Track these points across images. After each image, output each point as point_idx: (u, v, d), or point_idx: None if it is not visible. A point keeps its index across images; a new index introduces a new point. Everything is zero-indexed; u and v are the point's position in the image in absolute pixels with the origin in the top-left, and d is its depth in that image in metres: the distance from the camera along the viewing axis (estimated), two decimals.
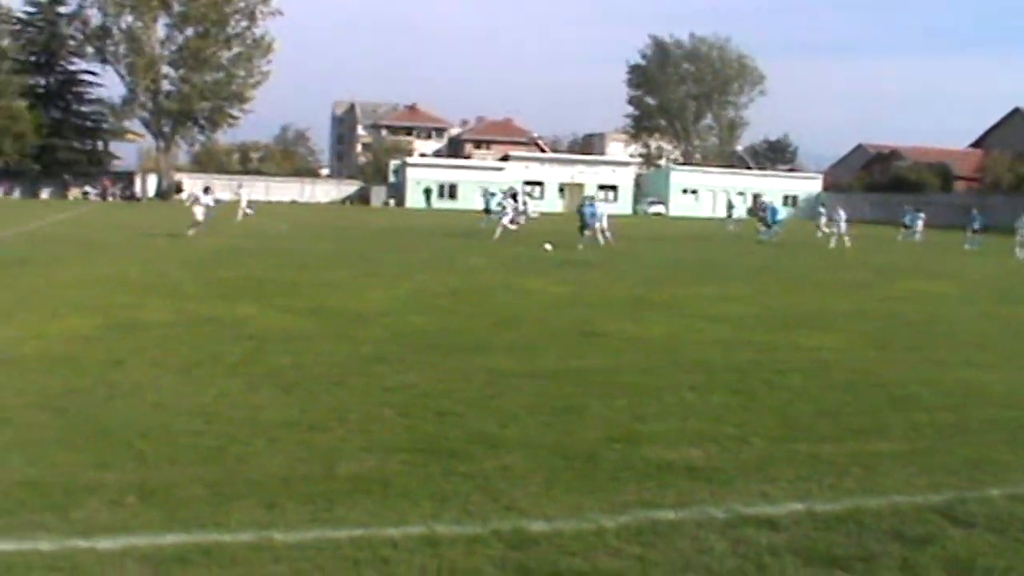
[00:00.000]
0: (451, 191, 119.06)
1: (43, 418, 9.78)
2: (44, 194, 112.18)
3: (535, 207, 67.63)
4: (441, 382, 12.16)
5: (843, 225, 50.78)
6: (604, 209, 45.88)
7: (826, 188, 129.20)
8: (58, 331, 15.52)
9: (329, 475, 8.19)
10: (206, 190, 43.51)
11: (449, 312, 19.18)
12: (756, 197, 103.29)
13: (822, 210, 58.84)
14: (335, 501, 7.51)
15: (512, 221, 48.56)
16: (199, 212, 41.26)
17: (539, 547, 6.71)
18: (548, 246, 36.72)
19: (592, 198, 49.46)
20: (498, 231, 45.79)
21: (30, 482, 7.74)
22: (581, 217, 43.66)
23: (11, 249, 29.97)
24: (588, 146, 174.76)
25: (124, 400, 10.74)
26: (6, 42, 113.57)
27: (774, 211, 56.94)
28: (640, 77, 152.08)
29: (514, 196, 55.54)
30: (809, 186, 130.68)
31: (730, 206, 74.82)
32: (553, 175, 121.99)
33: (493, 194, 58.98)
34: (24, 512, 7.09)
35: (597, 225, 42.92)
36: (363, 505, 7.46)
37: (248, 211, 59.64)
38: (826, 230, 54.20)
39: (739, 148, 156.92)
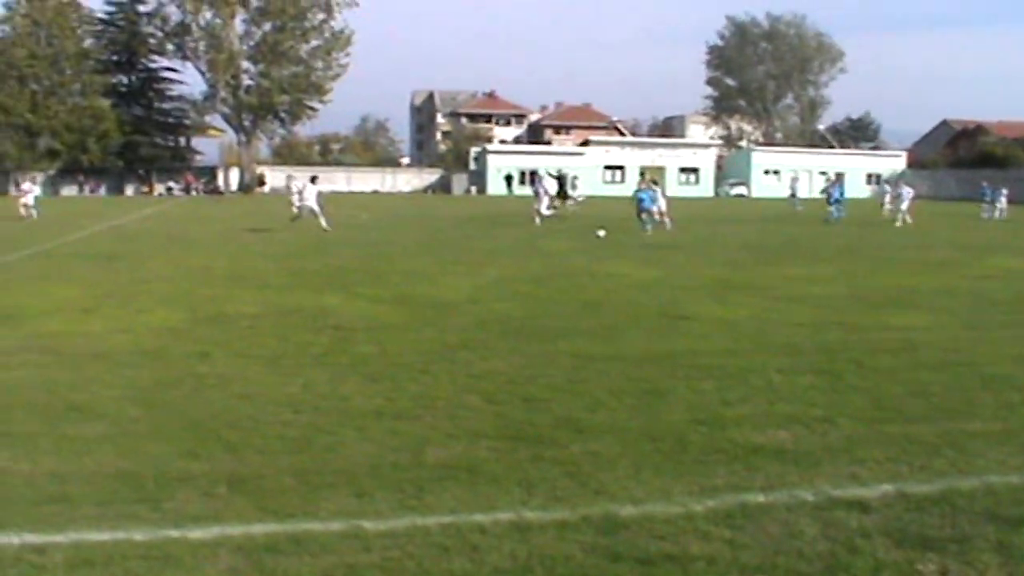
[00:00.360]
0: (532, 177, 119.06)
1: (133, 410, 9.90)
2: (129, 191, 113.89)
3: (581, 192, 66.74)
4: (527, 368, 12.15)
5: (906, 203, 49.91)
6: (658, 193, 45.41)
7: (910, 165, 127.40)
8: (146, 324, 15.74)
9: (417, 463, 8.19)
10: (313, 179, 43.09)
11: (533, 298, 19.17)
12: (838, 176, 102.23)
13: (887, 188, 57.89)
14: (424, 488, 7.51)
15: (549, 207, 48.25)
16: (311, 202, 41.05)
17: (629, 531, 6.66)
18: (601, 232, 36.36)
19: (653, 182, 48.80)
20: (536, 219, 45.46)
21: (123, 473, 7.85)
22: (638, 203, 43.20)
23: (99, 245, 30.45)
24: (668, 129, 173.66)
25: (212, 391, 10.86)
26: (88, 42, 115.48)
27: (840, 190, 56.16)
28: (719, 58, 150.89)
29: (560, 179, 55.28)
30: (892, 164, 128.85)
31: (794, 187, 74.04)
32: (634, 159, 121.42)
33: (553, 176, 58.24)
34: (118, 503, 7.18)
35: (654, 208, 42.48)
36: (452, 492, 7.46)
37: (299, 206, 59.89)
38: (890, 207, 53.49)
39: (820, 127, 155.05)
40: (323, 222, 39.44)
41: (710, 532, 6.66)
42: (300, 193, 41.74)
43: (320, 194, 41.83)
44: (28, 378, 11.51)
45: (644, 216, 41.56)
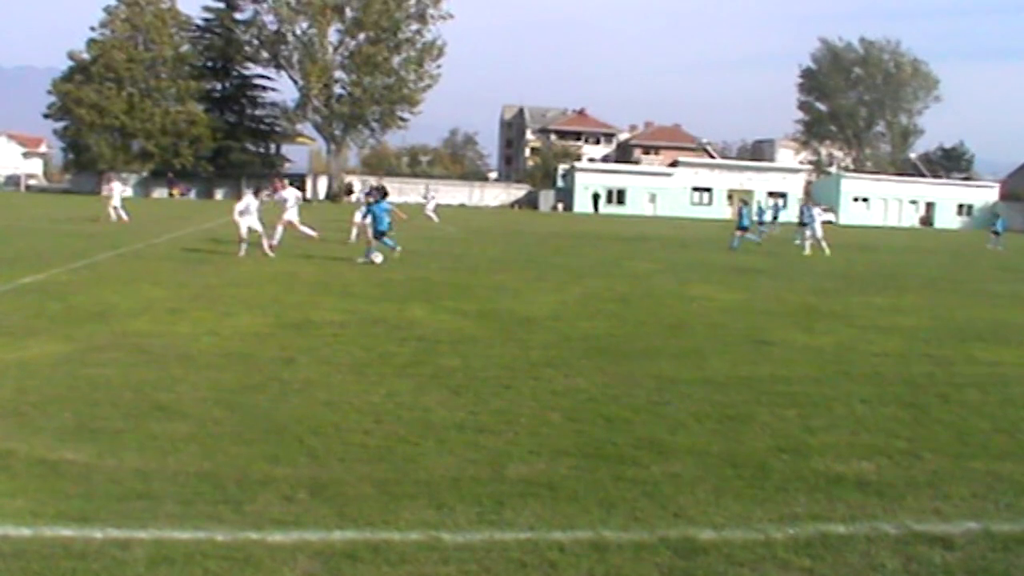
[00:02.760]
0: (619, 196, 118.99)
1: (218, 413, 10.03)
2: (219, 195, 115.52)
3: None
4: (609, 387, 12.11)
5: (818, 228, 46.61)
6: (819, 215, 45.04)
7: (1003, 197, 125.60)
8: (232, 328, 15.93)
9: (498, 477, 8.20)
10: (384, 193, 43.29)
11: (618, 318, 19.10)
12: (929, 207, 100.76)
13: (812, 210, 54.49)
14: (503, 503, 7.52)
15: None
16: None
17: (707, 556, 6.63)
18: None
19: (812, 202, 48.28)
20: (824, 245, 44.08)
21: (206, 474, 7.95)
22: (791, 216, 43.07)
23: (188, 247, 30.87)
24: (758, 152, 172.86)
25: (296, 397, 10.96)
26: (185, 48, 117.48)
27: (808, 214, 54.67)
28: (811, 82, 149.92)
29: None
30: (985, 195, 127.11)
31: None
32: (722, 181, 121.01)
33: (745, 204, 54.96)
34: (200, 503, 7.28)
35: (808, 232, 42.28)
36: (531, 508, 7.46)
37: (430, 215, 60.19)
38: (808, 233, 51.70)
39: (912, 155, 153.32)
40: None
41: (790, 561, 6.61)
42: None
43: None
44: (115, 376, 11.70)
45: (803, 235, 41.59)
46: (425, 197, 67.25)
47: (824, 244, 44.46)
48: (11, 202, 75.19)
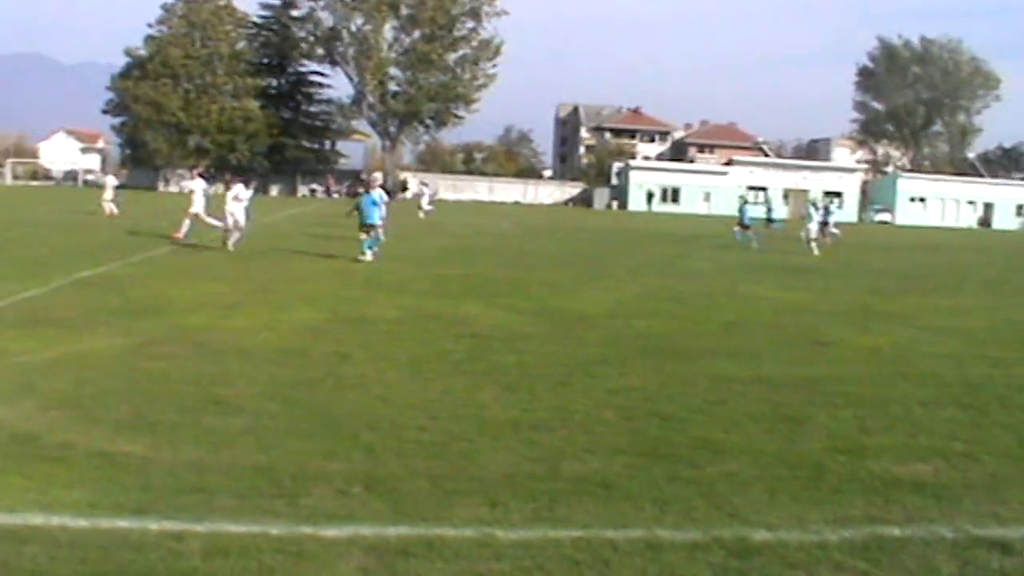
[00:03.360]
0: (674, 195, 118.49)
1: (274, 407, 10.09)
2: (274, 191, 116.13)
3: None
4: (664, 386, 12.07)
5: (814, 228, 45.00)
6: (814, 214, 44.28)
7: None
8: (288, 323, 16.05)
9: (552, 475, 8.19)
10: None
11: (673, 316, 19.05)
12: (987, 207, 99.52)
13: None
14: (557, 501, 7.51)
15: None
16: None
17: (761, 557, 6.58)
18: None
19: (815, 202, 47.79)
20: (814, 246, 43.01)
21: (261, 468, 8.00)
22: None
23: (244, 242, 31.02)
24: (813, 151, 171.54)
25: (351, 392, 11.02)
26: (241, 45, 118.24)
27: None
28: (868, 81, 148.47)
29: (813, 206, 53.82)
30: None
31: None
32: (777, 180, 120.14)
33: (747, 202, 54.76)
34: (255, 496, 7.33)
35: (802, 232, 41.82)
36: (585, 506, 7.45)
37: (429, 208, 60.05)
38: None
39: (971, 155, 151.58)
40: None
41: (844, 563, 6.54)
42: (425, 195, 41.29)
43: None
44: (172, 370, 11.81)
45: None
46: (420, 190, 66.80)
47: (814, 245, 42.95)
48: (69, 197, 75.94)
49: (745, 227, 45.58)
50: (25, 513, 6.78)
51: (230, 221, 30.04)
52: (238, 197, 30.01)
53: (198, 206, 33.73)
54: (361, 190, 30.79)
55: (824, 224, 52.75)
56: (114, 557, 6.10)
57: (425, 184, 77.30)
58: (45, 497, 7.13)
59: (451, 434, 9.32)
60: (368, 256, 28.59)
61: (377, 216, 29.45)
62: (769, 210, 64.38)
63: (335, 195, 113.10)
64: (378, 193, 29.70)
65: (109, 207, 48.52)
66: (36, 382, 10.91)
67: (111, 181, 53.26)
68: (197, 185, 34.69)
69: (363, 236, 29.31)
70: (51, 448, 8.36)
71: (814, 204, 48.87)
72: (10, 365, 11.79)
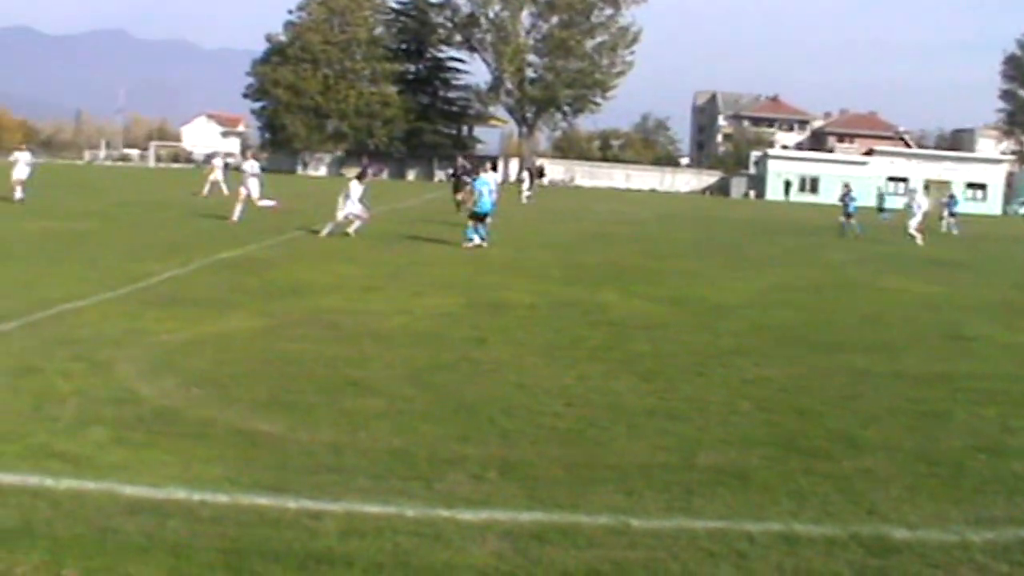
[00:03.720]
0: (812, 184, 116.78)
1: (409, 390, 10.20)
2: (410, 175, 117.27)
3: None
4: (802, 378, 11.94)
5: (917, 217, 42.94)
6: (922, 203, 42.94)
7: None
8: (424, 307, 16.22)
9: (688, 465, 8.14)
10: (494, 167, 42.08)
11: (811, 308, 18.80)
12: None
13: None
14: (693, 492, 7.46)
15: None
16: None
17: (900, 556, 6.45)
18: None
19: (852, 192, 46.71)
20: (918, 237, 41.77)
21: (397, 451, 8.08)
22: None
23: (381, 226, 31.33)
24: (956, 142, 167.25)
25: (487, 377, 11.08)
26: (379, 31, 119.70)
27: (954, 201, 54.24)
28: (1015, 69, 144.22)
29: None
30: None
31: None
32: (919, 171, 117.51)
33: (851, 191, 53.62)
34: (391, 478, 7.40)
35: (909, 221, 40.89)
36: (721, 498, 7.38)
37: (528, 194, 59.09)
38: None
39: None
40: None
41: (987, 566, 6.37)
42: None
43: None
44: (309, 351, 12.00)
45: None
46: (521, 176, 65.46)
47: (918, 236, 41.34)
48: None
49: (848, 216, 44.55)
50: (168, 487, 6.95)
51: (341, 216, 29.13)
52: (348, 195, 29.29)
53: (252, 190, 33.77)
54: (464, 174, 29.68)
55: (952, 215, 51.71)
56: (253, 533, 6.21)
57: (528, 170, 75.95)
58: (187, 473, 7.31)
59: (587, 421, 9.32)
60: (476, 240, 27.91)
61: (490, 204, 28.75)
62: (881, 198, 62.56)
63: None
64: (492, 178, 29.13)
65: (212, 188, 49.05)
66: (177, 360, 11.19)
67: (219, 163, 53.25)
68: (250, 167, 34.83)
69: (470, 223, 28.53)
70: (192, 425, 8.57)
71: (914, 193, 47.33)
72: (152, 343, 12.10)
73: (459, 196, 43.21)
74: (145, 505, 6.61)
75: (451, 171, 54.27)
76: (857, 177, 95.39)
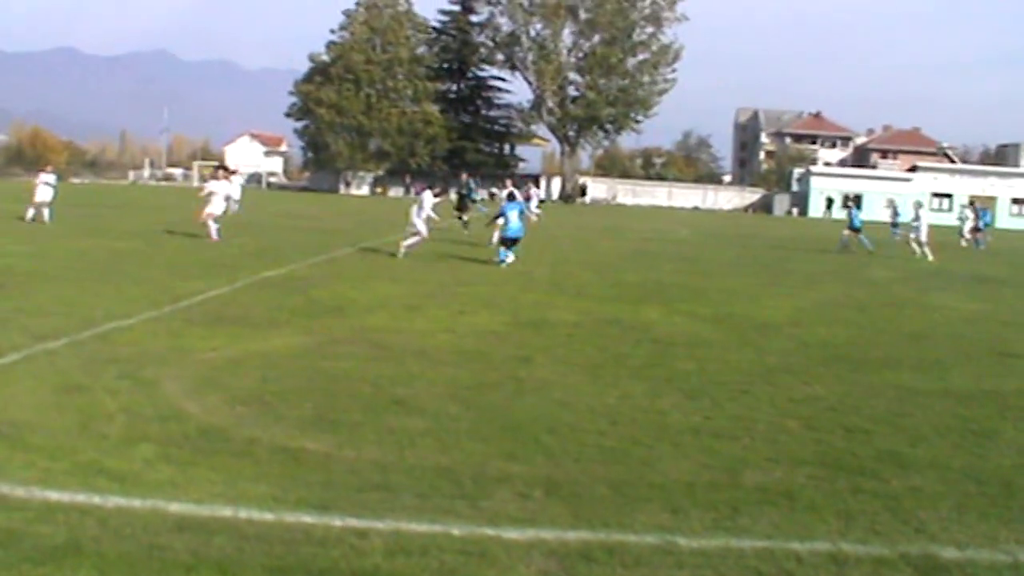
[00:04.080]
0: (856, 201, 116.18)
1: (454, 409, 10.21)
2: (452, 195, 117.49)
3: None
4: (848, 396, 11.87)
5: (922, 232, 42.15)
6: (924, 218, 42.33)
7: None
8: (468, 325, 16.26)
9: (734, 484, 8.11)
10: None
11: (856, 325, 18.70)
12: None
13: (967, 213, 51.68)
14: (739, 511, 7.43)
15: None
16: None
17: (950, 575, 6.40)
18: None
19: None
20: (926, 251, 41.69)
21: (442, 469, 8.09)
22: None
23: (425, 245, 31.37)
24: (1001, 157, 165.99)
25: (532, 396, 11.08)
26: (421, 50, 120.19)
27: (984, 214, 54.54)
28: None
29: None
30: None
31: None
32: (963, 187, 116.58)
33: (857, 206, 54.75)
34: (436, 497, 7.41)
35: (912, 236, 40.52)
36: (768, 517, 7.35)
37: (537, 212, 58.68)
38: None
39: None
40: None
41: None
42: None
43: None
44: (354, 369, 12.04)
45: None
46: (528, 194, 64.84)
47: (927, 250, 40.76)
48: (253, 199, 77.94)
49: (855, 230, 44.09)
50: (213, 505, 6.99)
51: (413, 231, 29.12)
52: (421, 206, 29.39)
53: (215, 207, 33.02)
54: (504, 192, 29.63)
55: (976, 229, 51.68)
56: (298, 551, 6.24)
57: (536, 188, 74.10)
58: (232, 490, 7.34)
59: (631, 440, 9.30)
60: (510, 258, 27.70)
61: (519, 227, 28.20)
62: (895, 214, 61.87)
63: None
64: (535, 193, 28.57)
65: (227, 204, 48.56)
66: (222, 378, 11.25)
67: (237, 180, 52.52)
68: (218, 187, 34.09)
69: (501, 247, 28.31)
70: (237, 443, 8.61)
71: (921, 205, 47.05)
72: (197, 361, 12.19)
73: (465, 216, 43.41)
74: (191, 523, 6.65)
75: (457, 188, 54.17)
76: (901, 194, 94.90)
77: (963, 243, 51.14)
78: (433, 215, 30.27)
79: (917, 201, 45.94)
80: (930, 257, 39.34)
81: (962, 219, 54.79)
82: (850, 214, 45.50)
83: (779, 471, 8.53)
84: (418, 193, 30.64)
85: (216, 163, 42.51)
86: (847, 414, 10.88)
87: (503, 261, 27.55)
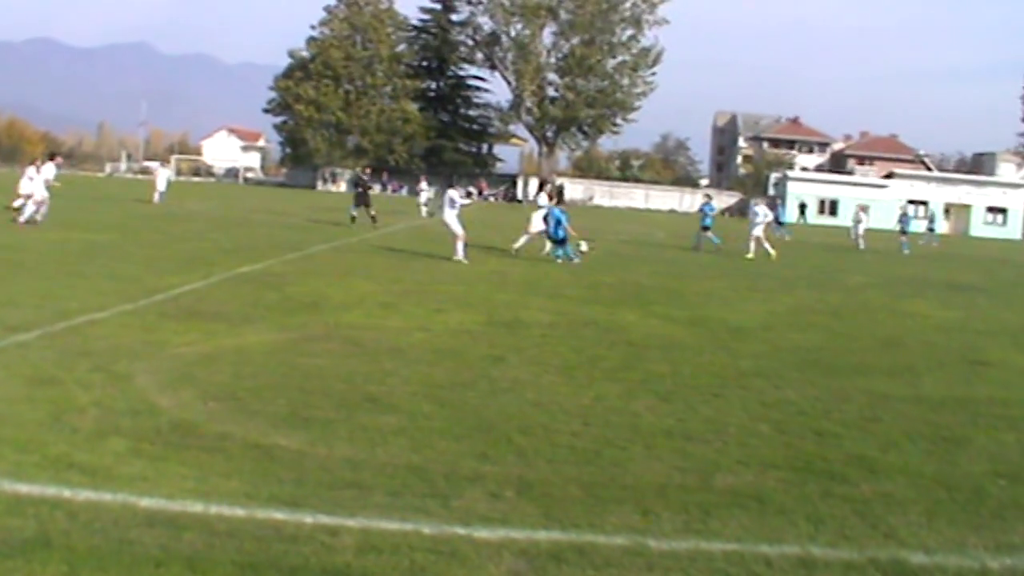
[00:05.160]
0: (831, 207, 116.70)
1: (428, 407, 10.19)
2: (430, 193, 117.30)
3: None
4: (820, 401, 11.89)
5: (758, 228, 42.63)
6: (762, 215, 42.76)
7: None
8: (443, 324, 16.23)
9: (705, 486, 8.12)
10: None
11: (829, 331, 18.75)
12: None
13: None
14: (710, 513, 7.43)
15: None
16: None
17: None
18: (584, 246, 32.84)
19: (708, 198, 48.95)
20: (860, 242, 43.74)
21: (414, 467, 8.07)
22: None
23: (399, 242, 31.42)
24: (977, 166, 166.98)
25: (505, 396, 11.06)
26: (401, 47, 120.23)
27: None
28: None
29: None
30: None
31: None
32: (939, 195, 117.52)
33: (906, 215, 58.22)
34: (408, 495, 7.39)
35: (754, 232, 40.99)
36: (738, 520, 7.35)
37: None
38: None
39: None
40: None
41: None
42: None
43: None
44: (328, 366, 12.00)
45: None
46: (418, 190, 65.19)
47: (755, 245, 41.37)
48: (230, 194, 77.91)
49: (705, 229, 43.49)
50: (184, 500, 6.96)
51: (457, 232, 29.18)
52: (453, 201, 29.39)
53: (27, 188, 33.22)
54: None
55: (903, 233, 53.13)
56: (269, 548, 6.21)
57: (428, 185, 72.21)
58: (203, 486, 7.31)
59: (604, 441, 9.29)
60: (577, 260, 30.20)
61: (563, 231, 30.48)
62: (775, 212, 62.42)
63: (490, 199, 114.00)
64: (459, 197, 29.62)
65: (159, 197, 53.31)
66: (195, 373, 11.21)
67: (164, 174, 58.04)
68: (38, 172, 33.81)
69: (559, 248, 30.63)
70: (209, 438, 8.57)
71: (864, 210, 49.88)
72: (171, 356, 12.14)
73: (372, 211, 44.34)
74: (161, 518, 6.62)
75: (355, 183, 55.30)
76: (877, 200, 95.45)
77: (860, 245, 54.28)
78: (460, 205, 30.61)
79: (861, 206, 48.25)
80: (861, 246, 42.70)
81: (856, 221, 56.40)
82: (703, 211, 45.14)
83: (750, 474, 8.53)
84: (417, 191, 31.34)
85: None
86: (818, 418, 10.90)
87: (572, 259, 30.05)
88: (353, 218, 43.77)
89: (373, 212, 43.94)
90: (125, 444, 8.23)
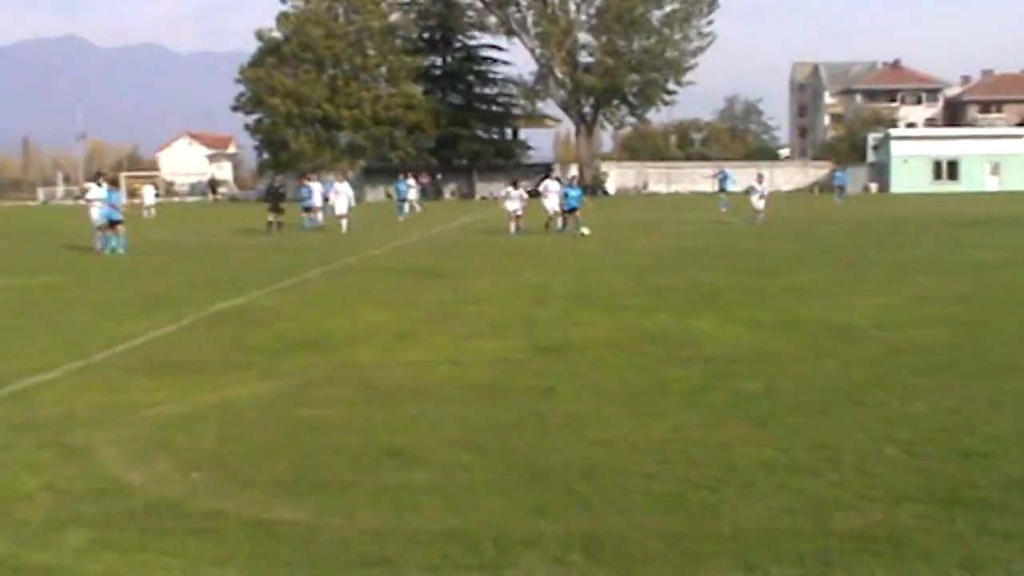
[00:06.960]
0: (950, 169, 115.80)
1: (464, 457, 10.18)
2: (446, 193, 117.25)
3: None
4: (960, 413, 11.79)
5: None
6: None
7: None
8: (475, 353, 16.25)
9: (822, 530, 8.05)
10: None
11: (962, 323, 18.64)
12: None
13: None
14: (832, 563, 7.37)
15: None
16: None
17: None
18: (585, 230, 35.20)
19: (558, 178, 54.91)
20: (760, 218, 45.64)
21: (454, 532, 8.04)
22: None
23: (412, 258, 31.54)
24: None
25: (559, 435, 11.04)
26: (395, 17, 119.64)
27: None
28: None
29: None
30: None
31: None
32: None
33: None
34: (449, 568, 7.36)
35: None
36: (869, 569, 7.28)
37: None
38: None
39: None
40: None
41: None
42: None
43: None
44: (338, 417, 12.03)
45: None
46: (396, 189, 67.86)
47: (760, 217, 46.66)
48: (200, 215, 78.34)
49: (724, 191, 49.05)
50: None
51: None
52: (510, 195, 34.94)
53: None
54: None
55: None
56: None
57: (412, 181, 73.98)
58: None
59: (688, 482, 9.25)
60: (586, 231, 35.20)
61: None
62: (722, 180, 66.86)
63: (447, 195, 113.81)
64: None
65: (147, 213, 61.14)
66: (172, 439, 11.21)
67: (150, 191, 70.53)
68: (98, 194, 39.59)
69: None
70: (196, 518, 8.55)
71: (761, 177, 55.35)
72: (142, 419, 12.16)
73: (280, 218, 47.48)
74: None
75: (268, 187, 59.99)
76: (1009, 155, 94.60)
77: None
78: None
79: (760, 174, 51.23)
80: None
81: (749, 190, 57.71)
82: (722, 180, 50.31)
83: (878, 511, 8.45)
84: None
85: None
86: (960, 435, 10.78)
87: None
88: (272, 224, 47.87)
89: (273, 219, 46.74)
90: (88, 535, 8.21)
